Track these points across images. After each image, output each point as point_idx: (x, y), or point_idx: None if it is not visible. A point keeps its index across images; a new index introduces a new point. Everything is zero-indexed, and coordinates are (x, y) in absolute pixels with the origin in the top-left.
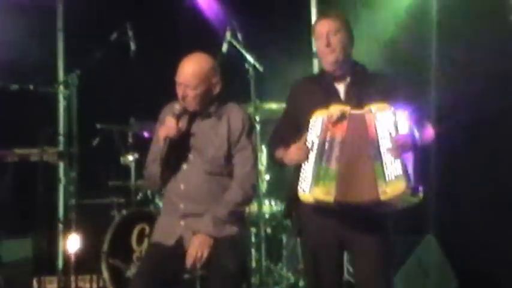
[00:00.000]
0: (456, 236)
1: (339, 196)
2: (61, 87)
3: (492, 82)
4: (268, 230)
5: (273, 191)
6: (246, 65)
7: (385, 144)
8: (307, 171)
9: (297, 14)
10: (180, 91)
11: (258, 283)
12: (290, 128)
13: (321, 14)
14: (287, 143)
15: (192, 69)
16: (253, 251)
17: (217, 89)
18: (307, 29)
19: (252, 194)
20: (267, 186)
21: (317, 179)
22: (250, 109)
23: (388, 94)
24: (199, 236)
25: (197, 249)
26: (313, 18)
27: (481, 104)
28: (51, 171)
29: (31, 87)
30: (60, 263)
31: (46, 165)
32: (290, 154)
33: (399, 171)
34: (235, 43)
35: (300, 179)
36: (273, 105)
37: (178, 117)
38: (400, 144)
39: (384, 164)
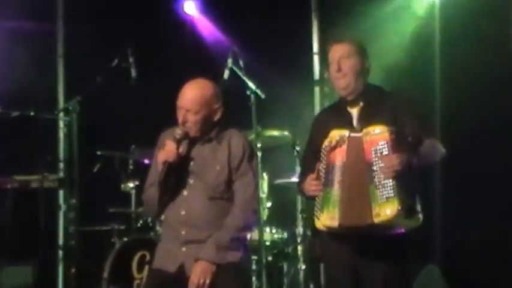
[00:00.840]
0: (459, 266)
1: (342, 221)
2: (61, 114)
3: (494, 106)
4: (269, 258)
5: (274, 219)
6: (248, 92)
7: (379, 165)
8: (317, 198)
9: (299, 41)
10: (180, 116)
11: None
12: (313, 160)
13: (334, 40)
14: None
15: (193, 94)
16: (254, 278)
17: (218, 115)
18: (309, 57)
19: (253, 219)
20: (268, 213)
21: (323, 205)
22: (252, 136)
23: (396, 115)
24: (201, 263)
25: (199, 276)
26: (315, 46)
27: (484, 125)
28: (51, 197)
29: (31, 113)
30: None
31: (46, 192)
32: (306, 186)
33: (391, 192)
34: (236, 70)
35: (315, 208)
36: (275, 132)
37: (178, 142)
38: (393, 164)
39: (376, 185)
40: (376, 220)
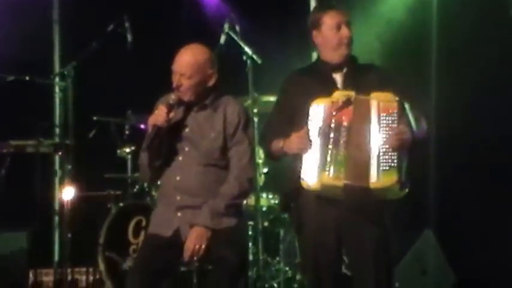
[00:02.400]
0: (454, 231)
1: (347, 180)
2: (57, 79)
3: (493, 80)
4: (266, 224)
5: (271, 185)
6: (244, 57)
7: (386, 133)
8: (311, 159)
9: (295, 5)
10: (175, 80)
11: (255, 277)
12: (283, 121)
13: (326, 6)
14: (281, 136)
15: (188, 58)
16: (250, 244)
17: (212, 81)
18: (305, 22)
19: (248, 187)
20: (264, 179)
21: (324, 164)
22: (248, 102)
23: (383, 85)
24: (196, 228)
25: (195, 242)
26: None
27: (481, 99)
28: (47, 163)
29: (27, 78)
30: (56, 255)
31: (42, 157)
32: (290, 143)
33: (394, 163)
34: (233, 35)
35: (303, 169)
36: (271, 98)
37: (171, 107)
38: (400, 137)
39: (380, 153)
40: (373, 186)
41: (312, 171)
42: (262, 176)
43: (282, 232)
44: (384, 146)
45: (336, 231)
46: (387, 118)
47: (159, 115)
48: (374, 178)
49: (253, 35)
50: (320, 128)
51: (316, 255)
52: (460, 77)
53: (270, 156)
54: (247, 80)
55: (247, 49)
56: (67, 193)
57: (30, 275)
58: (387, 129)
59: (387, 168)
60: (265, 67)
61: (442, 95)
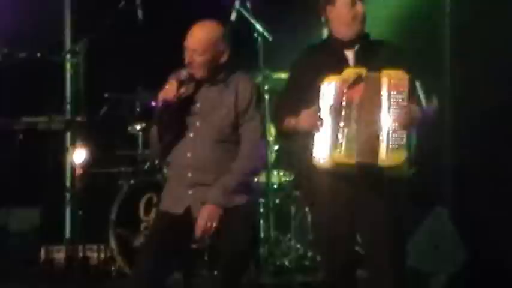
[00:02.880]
0: (467, 207)
1: (359, 158)
2: (68, 56)
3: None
4: (277, 201)
5: (282, 162)
6: (255, 34)
7: (395, 111)
8: (322, 137)
9: None
10: (187, 56)
11: (266, 254)
12: (295, 98)
13: None
14: (293, 113)
15: (200, 35)
16: (261, 221)
17: (225, 57)
18: None
19: (260, 164)
20: (275, 156)
21: (336, 142)
22: (259, 79)
23: (394, 62)
24: (208, 206)
25: (206, 219)
26: None
27: (496, 74)
28: (58, 139)
29: (38, 55)
30: (67, 232)
31: (54, 134)
32: (302, 121)
33: (403, 141)
34: (244, 12)
35: (315, 146)
36: (282, 75)
37: (181, 83)
38: (410, 116)
39: (390, 130)
40: (381, 164)
41: (324, 150)
42: (274, 153)
43: (293, 209)
44: (394, 124)
45: (349, 208)
46: (397, 96)
47: (169, 90)
48: (383, 156)
49: (264, 12)
50: (331, 105)
51: (329, 232)
52: (475, 51)
53: (282, 135)
54: (258, 57)
55: (258, 26)
56: (78, 156)
57: (42, 252)
58: (397, 107)
59: (396, 146)
60: (276, 44)
61: (456, 70)
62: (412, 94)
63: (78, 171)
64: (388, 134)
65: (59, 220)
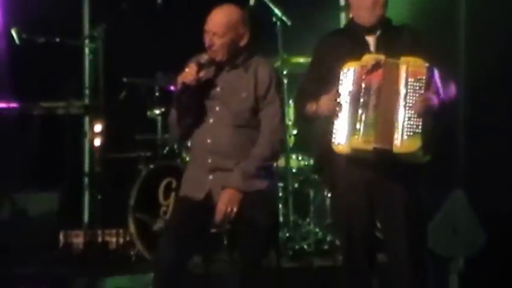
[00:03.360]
0: (485, 191)
1: (377, 144)
2: (87, 41)
3: None
4: (296, 185)
5: (301, 146)
6: (274, 19)
7: (412, 99)
8: (341, 122)
9: None
10: (207, 39)
11: (285, 238)
12: (318, 82)
13: None
14: (315, 98)
15: (220, 17)
16: (280, 206)
17: (244, 40)
18: None
19: (280, 148)
20: (294, 140)
21: (354, 128)
22: (278, 63)
23: (414, 49)
24: (228, 190)
25: (227, 204)
26: None
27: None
28: (77, 124)
29: (57, 40)
30: (86, 216)
31: (72, 119)
32: (321, 106)
33: (418, 129)
34: None
35: (334, 131)
36: (300, 59)
37: (201, 66)
38: (427, 104)
39: (405, 117)
40: (396, 150)
41: (342, 135)
42: (292, 137)
43: (312, 193)
44: (410, 111)
45: (367, 193)
46: (415, 84)
47: (189, 73)
48: (398, 143)
49: None
50: (350, 91)
51: (348, 216)
52: (491, 37)
53: (304, 118)
54: (277, 42)
55: (276, 10)
56: (97, 128)
57: (61, 236)
58: (414, 94)
59: (411, 133)
60: (295, 28)
61: (471, 55)
62: (430, 82)
63: (97, 155)
64: (403, 121)
65: (78, 204)
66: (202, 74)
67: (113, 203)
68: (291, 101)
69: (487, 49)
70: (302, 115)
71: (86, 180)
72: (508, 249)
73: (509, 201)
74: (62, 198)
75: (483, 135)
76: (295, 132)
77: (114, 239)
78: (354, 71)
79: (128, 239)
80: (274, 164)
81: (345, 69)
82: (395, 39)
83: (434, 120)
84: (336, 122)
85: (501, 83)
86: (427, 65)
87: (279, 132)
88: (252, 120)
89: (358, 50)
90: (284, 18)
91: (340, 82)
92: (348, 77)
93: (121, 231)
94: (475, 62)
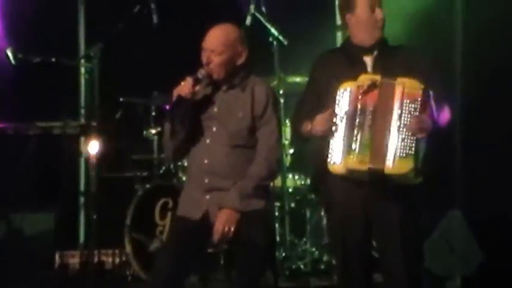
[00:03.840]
0: (482, 210)
1: (372, 164)
2: (83, 60)
3: None
4: (292, 204)
5: (297, 165)
6: (270, 38)
7: (406, 120)
8: (336, 142)
9: None
10: (204, 57)
11: (281, 257)
12: (314, 102)
13: None
14: (311, 117)
15: (218, 34)
16: (276, 225)
17: (242, 59)
18: (331, 2)
19: (276, 168)
20: (290, 160)
21: (350, 148)
22: (274, 82)
23: (410, 69)
24: (225, 211)
25: (224, 224)
26: None
27: (508, 77)
28: (73, 144)
29: (53, 60)
30: (82, 236)
31: (68, 139)
32: (315, 125)
33: (411, 150)
34: (259, 16)
35: (330, 151)
36: (297, 79)
37: (198, 80)
38: (421, 126)
39: (399, 138)
40: (387, 171)
41: (338, 155)
42: (289, 156)
43: (308, 213)
44: (404, 133)
45: (363, 212)
46: (410, 105)
47: (185, 86)
48: (390, 164)
49: (278, 16)
50: (346, 111)
51: (344, 235)
52: (487, 55)
53: (300, 138)
54: (273, 61)
55: (273, 30)
56: (92, 147)
57: (57, 256)
58: (409, 115)
59: (404, 155)
60: (291, 48)
61: (467, 74)
62: (425, 104)
63: (93, 174)
64: (397, 142)
65: (74, 224)
66: (198, 88)
67: (109, 222)
68: (287, 120)
69: (484, 67)
70: (298, 134)
71: (82, 200)
72: (505, 268)
73: (505, 220)
74: (57, 218)
75: (480, 154)
76: (291, 151)
77: (110, 259)
78: (350, 91)
79: (124, 259)
80: (271, 184)
81: (341, 90)
82: (392, 59)
83: (428, 143)
84: (331, 142)
85: (498, 102)
86: (422, 86)
87: (276, 151)
88: (249, 139)
89: (355, 70)
90: (280, 37)
91: (337, 102)
92: (344, 97)
93: (117, 251)
94: (472, 84)
